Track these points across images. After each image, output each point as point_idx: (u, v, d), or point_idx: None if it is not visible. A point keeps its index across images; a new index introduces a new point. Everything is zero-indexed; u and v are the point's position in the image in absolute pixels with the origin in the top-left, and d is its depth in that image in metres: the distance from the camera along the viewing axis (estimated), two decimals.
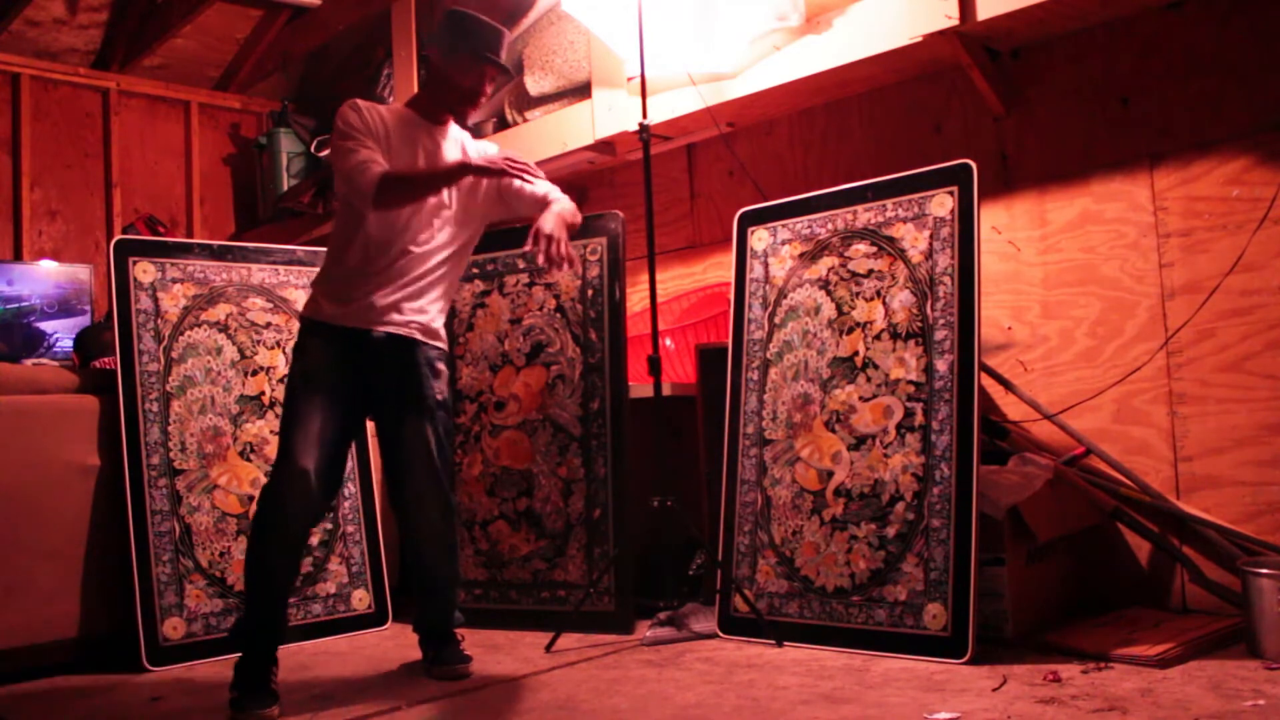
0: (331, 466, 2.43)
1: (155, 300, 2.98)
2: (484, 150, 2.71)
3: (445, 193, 2.54)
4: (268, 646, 2.34)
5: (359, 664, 2.70)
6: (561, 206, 2.56)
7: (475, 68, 2.54)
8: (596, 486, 2.98)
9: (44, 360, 3.78)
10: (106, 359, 3.12)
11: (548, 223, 2.45)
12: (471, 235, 2.66)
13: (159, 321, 2.97)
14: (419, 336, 2.52)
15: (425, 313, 2.54)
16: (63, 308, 4.19)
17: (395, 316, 2.49)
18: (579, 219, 2.63)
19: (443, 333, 2.62)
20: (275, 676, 2.33)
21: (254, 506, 2.98)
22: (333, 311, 2.48)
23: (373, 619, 3.11)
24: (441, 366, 2.58)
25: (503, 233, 3.35)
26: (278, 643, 2.37)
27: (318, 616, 3.01)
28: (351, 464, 3.18)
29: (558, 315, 3.12)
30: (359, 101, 2.53)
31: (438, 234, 2.55)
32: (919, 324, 2.52)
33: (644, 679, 2.33)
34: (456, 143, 2.65)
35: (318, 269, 3.18)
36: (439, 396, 2.54)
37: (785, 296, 2.79)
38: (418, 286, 2.52)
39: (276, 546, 2.36)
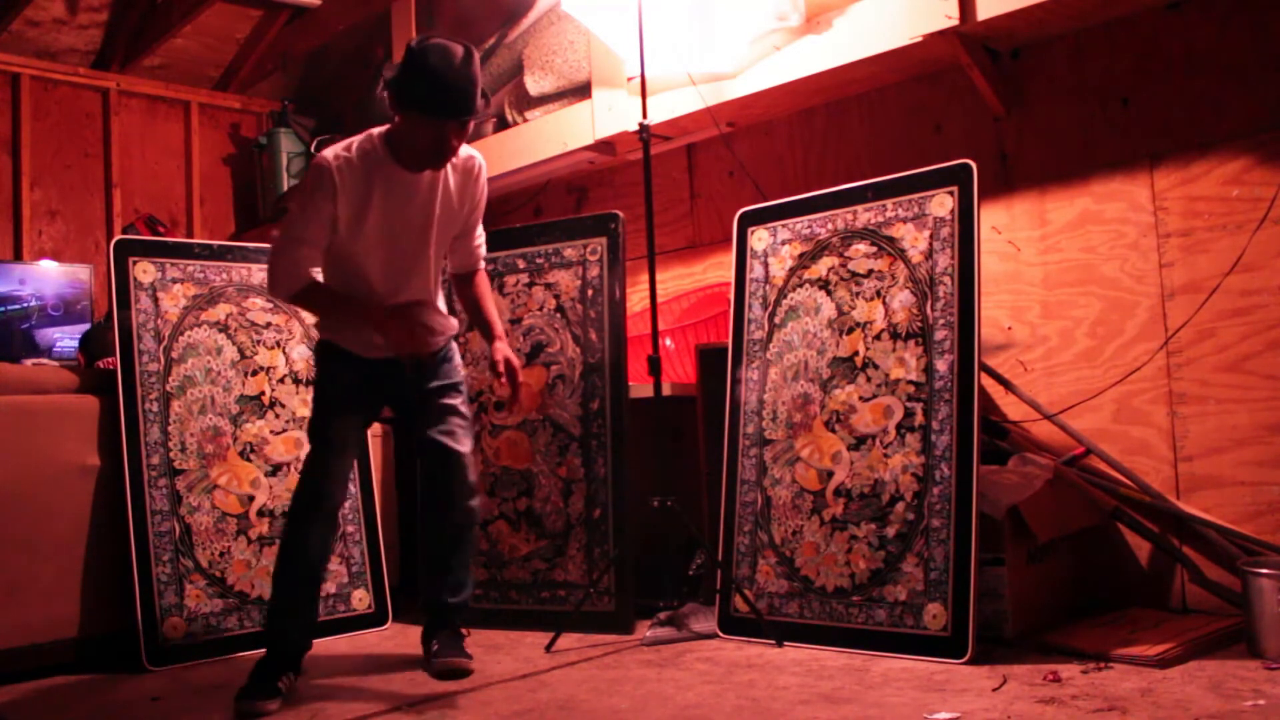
0: (349, 474, 2.58)
1: (155, 300, 2.98)
2: (462, 168, 2.51)
3: (421, 221, 2.45)
4: (284, 649, 2.42)
5: (359, 664, 2.70)
6: (504, 332, 2.66)
7: (431, 127, 2.29)
8: (596, 486, 2.98)
9: (44, 360, 3.78)
10: (109, 359, 3.12)
11: (515, 360, 2.59)
12: (440, 258, 2.59)
13: (159, 321, 2.97)
14: (432, 345, 2.52)
15: (430, 321, 2.50)
16: (68, 311, 4.19)
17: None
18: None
19: (447, 319, 2.56)
20: (289, 678, 2.38)
21: (254, 506, 2.99)
22: (346, 338, 2.50)
23: (373, 619, 3.11)
24: (454, 344, 2.63)
25: (501, 233, 3.35)
26: (298, 647, 2.46)
27: (318, 616, 3.00)
28: None
29: (558, 315, 3.12)
30: (333, 164, 2.33)
31: (419, 259, 2.50)
32: (919, 324, 2.52)
33: (644, 679, 2.33)
34: (437, 179, 2.46)
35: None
36: (462, 374, 2.63)
37: (785, 296, 2.79)
38: (416, 300, 2.48)
39: (304, 566, 2.46)
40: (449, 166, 2.47)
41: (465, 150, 2.51)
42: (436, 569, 2.60)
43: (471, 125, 2.40)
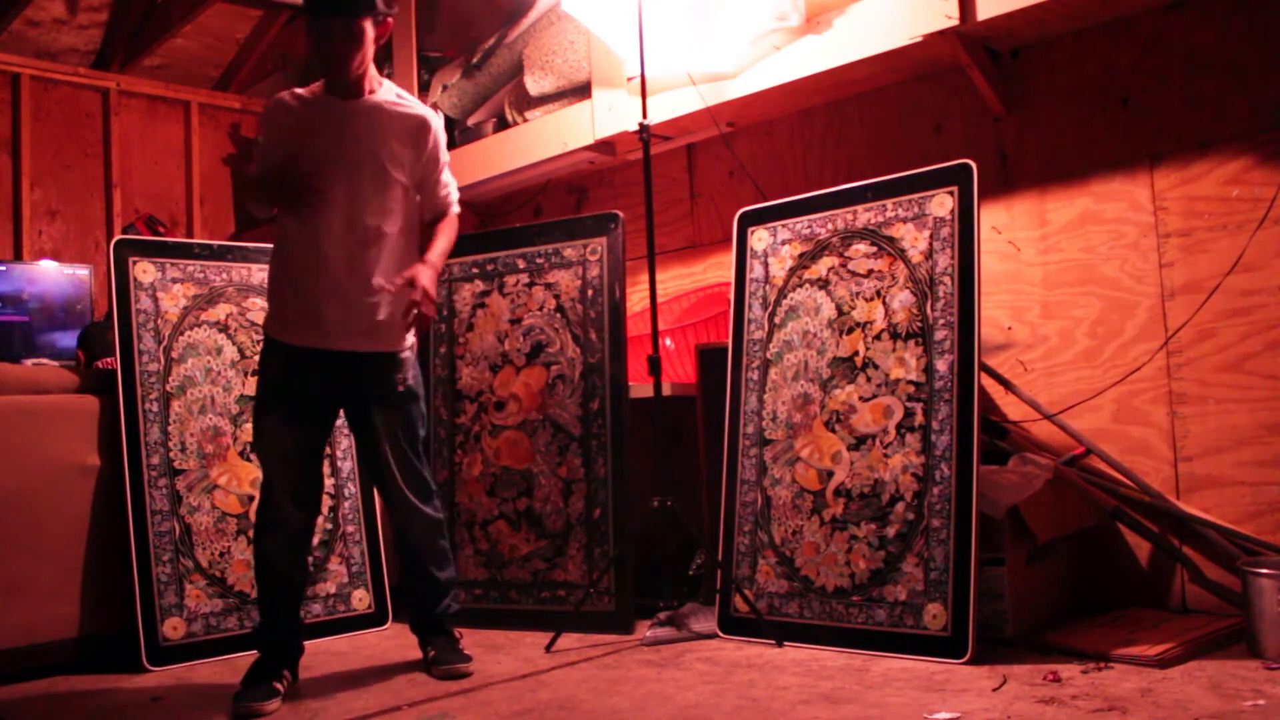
0: (309, 484, 2.51)
1: (155, 300, 2.98)
2: (409, 115, 2.52)
3: (352, 185, 2.43)
4: (274, 651, 2.43)
5: (359, 664, 2.70)
6: (437, 259, 2.51)
7: (318, 32, 2.36)
8: (596, 486, 2.98)
9: (44, 360, 3.78)
10: (109, 359, 3.12)
11: (424, 277, 2.40)
12: (407, 216, 2.53)
13: (159, 321, 2.97)
14: (374, 348, 2.49)
15: (378, 302, 2.45)
16: (68, 312, 4.19)
17: (347, 323, 2.45)
18: (448, 248, 2.58)
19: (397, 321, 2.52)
20: (285, 679, 2.39)
21: (254, 506, 2.99)
22: (286, 327, 2.47)
23: (373, 619, 3.11)
24: (404, 356, 2.54)
25: (501, 233, 3.36)
26: (287, 649, 2.47)
27: (318, 616, 3.00)
28: (351, 464, 3.18)
29: (558, 315, 3.12)
30: (278, 97, 2.51)
31: (362, 211, 2.44)
32: (919, 324, 2.52)
33: (644, 679, 2.33)
34: (378, 109, 2.47)
35: None
36: (400, 389, 2.52)
37: (785, 296, 2.79)
38: (360, 272, 2.44)
39: (270, 575, 2.48)
40: (400, 116, 2.49)
41: (419, 105, 2.57)
42: (412, 584, 2.63)
43: (365, 30, 2.37)
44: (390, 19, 2.46)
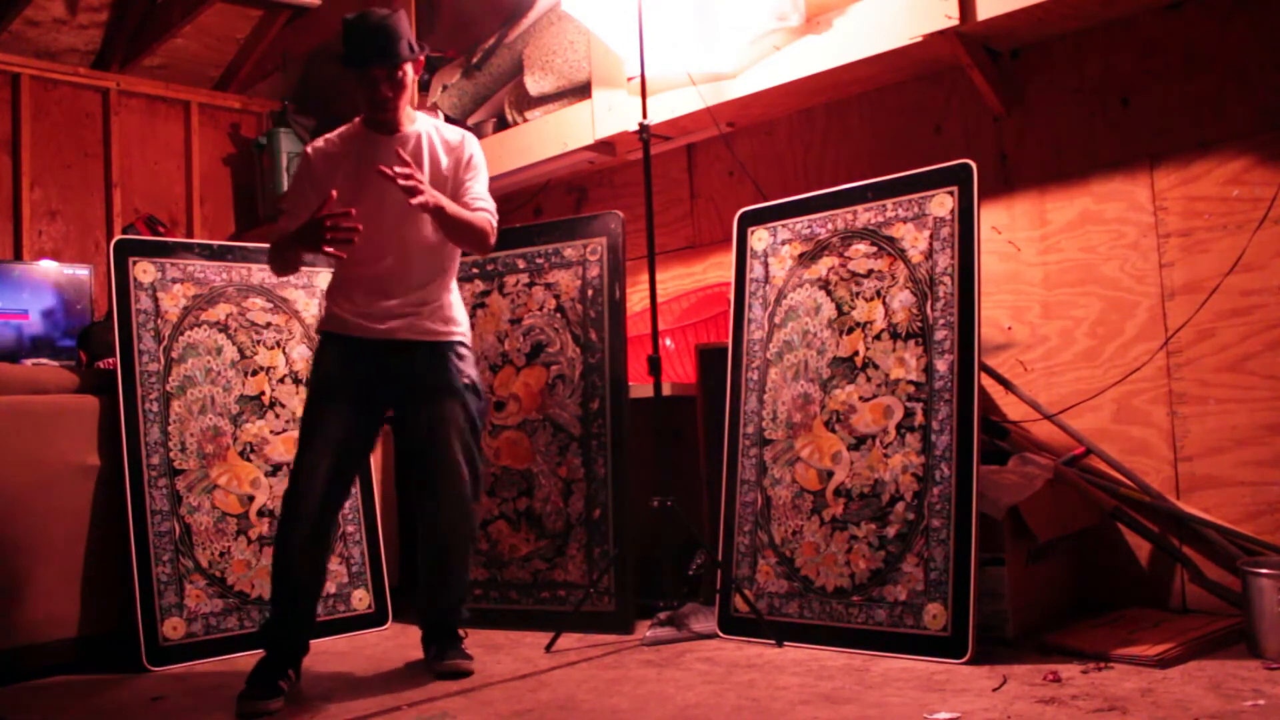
0: (344, 480, 2.52)
1: (155, 300, 2.98)
2: (448, 140, 2.60)
3: (399, 200, 2.42)
4: (281, 650, 2.42)
5: (359, 664, 2.70)
6: (451, 202, 2.48)
7: (362, 78, 2.50)
8: (596, 486, 2.98)
9: (44, 360, 3.78)
10: (109, 359, 3.12)
11: (429, 187, 2.40)
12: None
13: (159, 321, 2.97)
14: (429, 338, 2.56)
15: (429, 303, 2.56)
16: (68, 311, 4.18)
17: (402, 321, 2.53)
18: (470, 220, 2.51)
19: (455, 313, 2.63)
20: (289, 678, 2.39)
21: (254, 506, 3.00)
22: (343, 322, 2.54)
23: (373, 619, 3.11)
24: (464, 350, 2.61)
25: (501, 233, 3.35)
26: (295, 648, 2.46)
27: (318, 616, 3.00)
28: None
29: (558, 315, 3.12)
30: (312, 146, 2.59)
31: (411, 231, 2.53)
32: (919, 324, 2.52)
33: (644, 679, 2.33)
34: (416, 143, 2.56)
35: (318, 269, 3.21)
36: (464, 380, 2.57)
37: (785, 296, 2.79)
38: (413, 283, 2.55)
39: (288, 574, 2.46)
40: (441, 142, 2.59)
41: (458, 132, 2.65)
42: (431, 584, 2.61)
43: (406, 73, 2.52)
44: (423, 57, 2.59)
